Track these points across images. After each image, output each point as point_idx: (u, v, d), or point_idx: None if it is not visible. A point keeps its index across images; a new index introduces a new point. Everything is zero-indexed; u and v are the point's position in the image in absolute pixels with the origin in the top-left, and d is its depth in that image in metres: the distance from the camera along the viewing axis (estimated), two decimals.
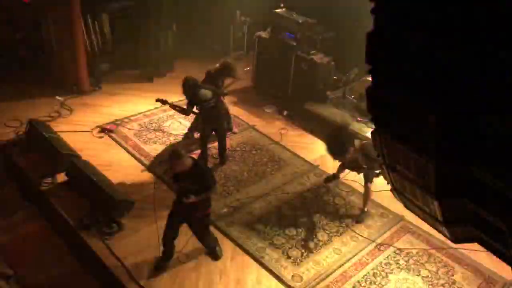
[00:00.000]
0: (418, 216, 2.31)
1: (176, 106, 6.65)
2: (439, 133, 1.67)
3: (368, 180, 6.04)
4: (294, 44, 8.27)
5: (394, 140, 1.95)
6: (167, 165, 4.84)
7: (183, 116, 8.02)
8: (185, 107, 6.52)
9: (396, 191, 2.29)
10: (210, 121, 6.61)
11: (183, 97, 6.83)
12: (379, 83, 1.85)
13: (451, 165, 1.81)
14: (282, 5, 8.56)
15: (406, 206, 2.37)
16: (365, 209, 6.16)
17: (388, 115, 1.90)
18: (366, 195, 6.13)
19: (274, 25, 8.52)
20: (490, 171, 1.74)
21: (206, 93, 6.34)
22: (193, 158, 4.86)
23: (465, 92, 1.55)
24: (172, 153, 4.76)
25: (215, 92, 6.46)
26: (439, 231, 2.31)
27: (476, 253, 5.54)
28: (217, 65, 7.12)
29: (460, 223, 2.13)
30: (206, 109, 6.42)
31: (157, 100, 6.69)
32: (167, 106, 6.86)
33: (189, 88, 6.32)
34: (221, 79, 7.04)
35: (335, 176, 6.64)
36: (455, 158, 1.78)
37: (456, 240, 2.27)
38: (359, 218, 6.11)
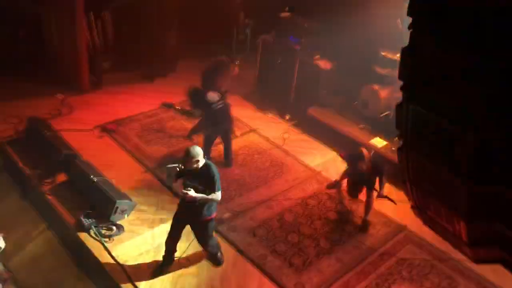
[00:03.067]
0: (439, 234, 2.26)
1: (182, 109, 6.59)
2: (476, 155, 1.61)
3: (371, 188, 6.00)
4: (298, 48, 8.22)
5: (423, 158, 1.89)
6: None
7: (186, 117, 7.99)
8: (189, 109, 6.47)
9: (418, 208, 2.23)
10: (217, 123, 6.53)
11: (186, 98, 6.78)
12: (409, 99, 1.79)
13: (484, 187, 1.75)
14: (287, 8, 8.50)
15: (426, 224, 2.31)
16: (367, 218, 6.11)
17: (418, 133, 1.84)
18: (369, 204, 6.08)
19: (279, 28, 8.47)
20: None
21: (214, 95, 6.27)
22: (207, 159, 4.78)
23: (505, 113, 1.49)
24: (191, 149, 4.67)
25: (221, 93, 6.39)
26: (461, 251, 2.26)
27: (479, 265, 5.50)
28: (211, 63, 7.02)
29: (485, 245, 2.08)
30: (214, 111, 6.35)
31: (163, 105, 6.62)
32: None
33: (196, 95, 6.27)
34: (216, 77, 6.91)
35: (337, 183, 6.61)
36: (489, 180, 1.72)
37: (478, 261, 2.22)
38: (362, 227, 6.06)
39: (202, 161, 4.69)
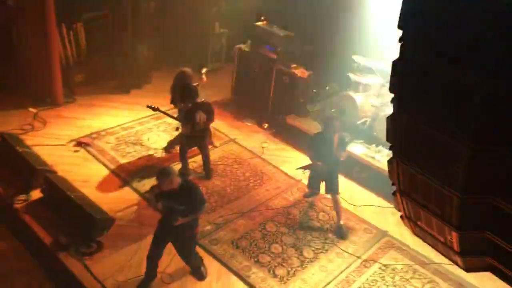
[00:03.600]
0: (429, 244, 2.27)
1: (168, 114, 6.57)
2: (470, 167, 1.62)
3: (336, 191, 6.09)
4: (275, 57, 8.25)
5: (414, 170, 1.89)
6: (151, 182, 4.65)
7: (163, 129, 7.91)
8: (175, 115, 6.42)
9: (408, 219, 2.24)
10: (194, 136, 6.47)
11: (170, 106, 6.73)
12: (402, 112, 1.79)
13: (477, 198, 1.76)
14: (262, 18, 8.52)
15: (415, 234, 2.32)
16: (341, 222, 6.15)
17: (410, 145, 1.84)
18: (338, 207, 6.15)
19: (254, 38, 8.48)
20: None
21: (202, 116, 6.28)
22: (182, 177, 4.70)
23: (501, 126, 1.50)
24: (162, 170, 4.59)
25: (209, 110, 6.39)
26: (452, 260, 2.27)
27: (459, 268, 5.58)
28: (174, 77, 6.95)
29: (476, 254, 2.09)
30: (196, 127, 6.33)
31: (148, 107, 6.54)
32: (146, 117, 6.70)
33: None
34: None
35: (313, 192, 6.57)
36: (482, 191, 1.73)
37: (469, 270, 2.24)
38: (341, 234, 6.08)
39: (177, 180, 4.58)
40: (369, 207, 6.69)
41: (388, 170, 2.18)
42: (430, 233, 2.18)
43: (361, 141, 7.48)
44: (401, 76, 1.73)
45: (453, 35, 1.54)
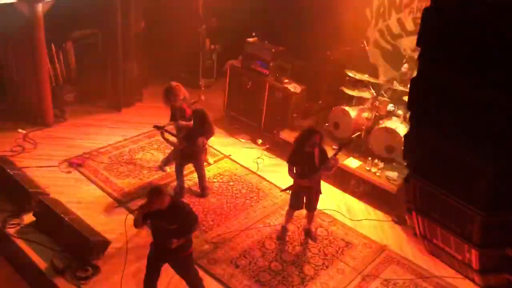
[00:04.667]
0: (445, 262, 2.21)
1: (169, 136, 6.50)
2: (494, 186, 1.58)
3: (314, 209, 6.06)
4: (267, 72, 8.25)
5: (433, 188, 1.85)
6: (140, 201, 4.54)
7: (156, 147, 7.82)
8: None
9: (423, 237, 2.19)
10: (187, 151, 6.40)
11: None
12: (420, 130, 1.76)
13: (499, 216, 1.73)
14: (254, 34, 8.53)
15: (431, 252, 2.27)
16: (312, 228, 6.26)
17: (429, 163, 1.80)
18: (312, 220, 6.22)
19: (246, 53, 8.47)
20: None
21: (184, 124, 6.17)
22: (170, 196, 4.59)
23: None
24: (153, 189, 4.48)
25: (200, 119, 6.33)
26: (469, 278, 2.22)
27: (459, 280, 5.51)
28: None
29: (495, 271, 2.05)
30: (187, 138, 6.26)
31: (154, 127, 6.48)
32: (138, 136, 6.60)
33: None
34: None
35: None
36: (504, 208, 1.70)
37: (487, 287, 2.19)
38: (310, 236, 6.18)
39: (167, 199, 4.44)
40: (368, 222, 6.65)
41: (404, 188, 2.13)
42: (446, 251, 2.14)
43: (356, 154, 7.46)
44: (420, 93, 1.70)
45: (470, 51, 1.51)
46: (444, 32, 1.58)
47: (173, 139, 6.67)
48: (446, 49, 1.54)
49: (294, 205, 6.03)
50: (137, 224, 4.54)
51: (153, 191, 4.45)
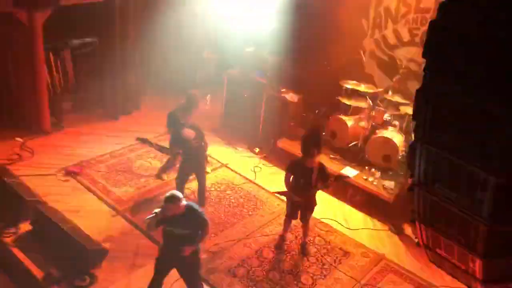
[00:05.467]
0: (448, 272, 2.24)
1: (159, 145, 6.41)
2: (497, 195, 1.61)
3: (308, 221, 6.04)
4: (265, 82, 8.29)
5: (437, 198, 1.88)
6: (143, 210, 4.54)
7: (153, 156, 7.80)
8: (167, 146, 6.30)
9: (426, 246, 2.21)
10: (192, 161, 6.39)
11: (158, 134, 6.60)
12: (424, 141, 1.79)
13: (504, 226, 1.75)
14: (251, 43, 8.59)
15: (434, 262, 2.29)
16: (306, 240, 6.20)
17: (433, 174, 1.83)
18: (307, 230, 6.16)
19: (244, 63, 8.53)
20: None
21: (190, 132, 6.14)
22: (186, 201, 4.61)
23: None
24: (171, 195, 4.47)
25: (199, 131, 6.26)
26: (471, 287, 2.24)
27: None
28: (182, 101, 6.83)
29: (500, 281, 2.07)
30: (190, 148, 6.21)
31: (137, 139, 6.41)
32: (136, 144, 6.56)
33: (173, 123, 6.14)
34: (185, 113, 6.61)
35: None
36: (510, 219, 1.72)
37: None
38: (304, 251, 6.11)
39: (183, 205, 4.50)
40: (366, 230, 6.67)
41: (409, 198, 2.16)
42: (450, 261, 2.16)
43: (354, 164, 7.50)
44: (425, 104, 1.73)
45: (477, 65, 1.55)
46: (449, 45, 1.62)
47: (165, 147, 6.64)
48: (452, 62, 1.58)
49: (290, 214, 6.05)
50: (150, 228, 4.58)
51: (171, 198, 4.46)
